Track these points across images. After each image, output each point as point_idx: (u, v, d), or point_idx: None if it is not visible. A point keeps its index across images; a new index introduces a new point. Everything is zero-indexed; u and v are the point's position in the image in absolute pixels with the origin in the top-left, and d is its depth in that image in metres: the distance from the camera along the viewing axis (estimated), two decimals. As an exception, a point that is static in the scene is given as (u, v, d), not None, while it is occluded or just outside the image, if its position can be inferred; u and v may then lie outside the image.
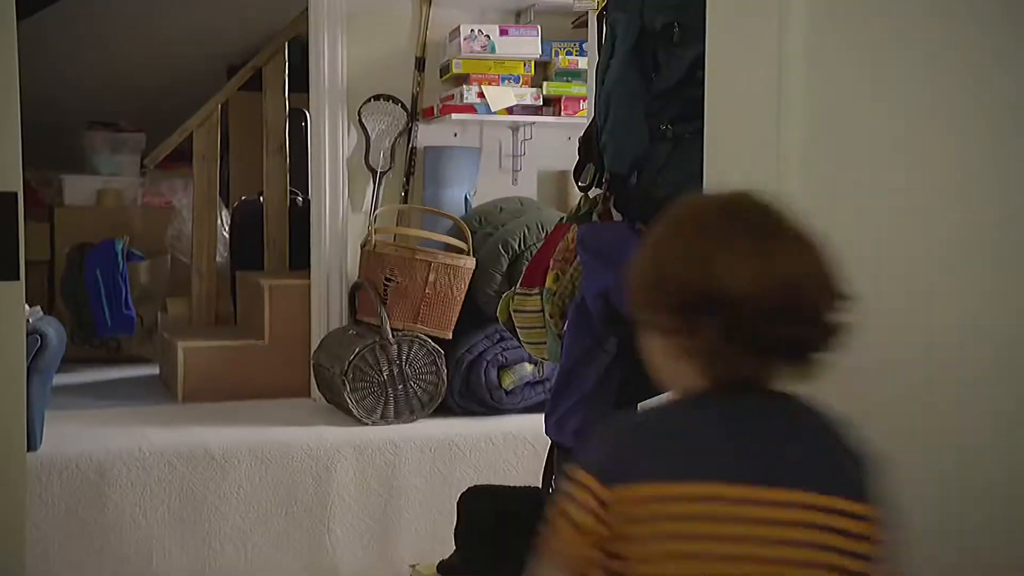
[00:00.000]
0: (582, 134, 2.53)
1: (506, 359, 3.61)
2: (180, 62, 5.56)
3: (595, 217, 2.47)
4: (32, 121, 3.96)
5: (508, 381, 3.61)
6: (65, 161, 5.28)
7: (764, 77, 1.48)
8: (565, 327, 2.41)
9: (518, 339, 2.59)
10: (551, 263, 2.46)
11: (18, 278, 1.31)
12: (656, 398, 2.07)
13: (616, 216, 2.49)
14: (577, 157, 2.59)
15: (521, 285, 2.53)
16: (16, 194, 1.31)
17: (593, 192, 2.52)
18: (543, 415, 2.42)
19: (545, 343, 2.50)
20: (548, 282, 2.45)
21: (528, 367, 3.63)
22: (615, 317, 2.31)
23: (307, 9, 3.97)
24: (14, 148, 1.33)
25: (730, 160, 1.60)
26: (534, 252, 3.56)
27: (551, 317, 2.45)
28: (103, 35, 5.40)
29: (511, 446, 3.52)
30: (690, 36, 2.34)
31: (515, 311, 2.54)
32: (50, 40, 5.06)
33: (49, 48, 5.03)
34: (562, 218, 2.60)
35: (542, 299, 2.47)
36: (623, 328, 2.34)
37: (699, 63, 2.35)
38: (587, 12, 3.74)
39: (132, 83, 5.57)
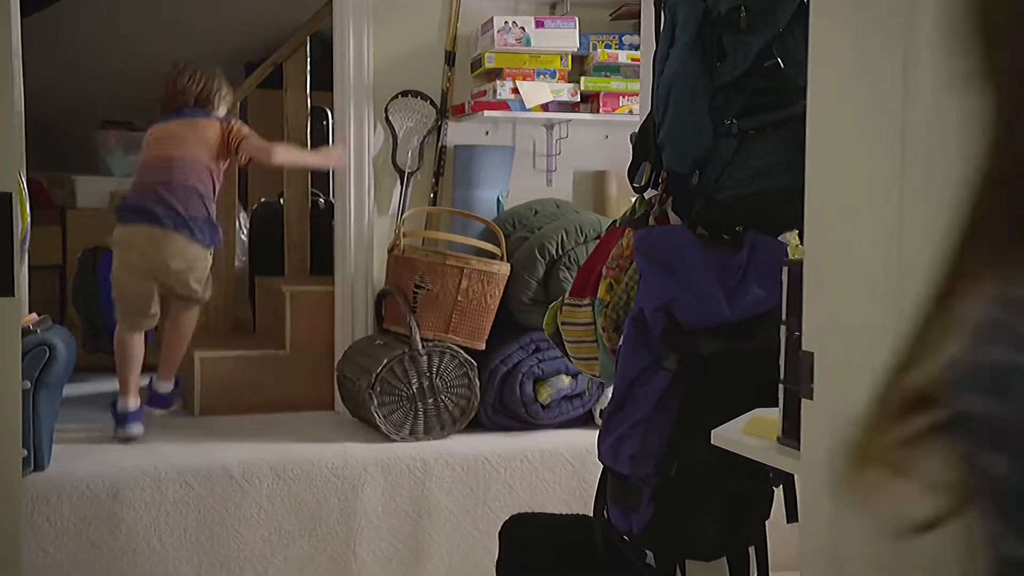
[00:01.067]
0: (637, 129, 2.32)
1: (542, 371, 3.40)
2: (197, 58, 5.35)
3: (651, 221, 2.26)
4: (42, 120, 3.80)
5: (544, 395, 3.40)
6: (77, 161, 5.12)
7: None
8: (620, 342, 2.20)
9: (566, 354, 2.38)
10: (604, 271, 2.25)
11: (12, 293, 1.11)
12: (728, 425, 1.87)
13: (673, 219, 2.28)
14: (631, 155, 2.38)
15: (570, 295, 2.32)
16: (11, 195, 1.12)
17: (649, 193, 2.32)
18: (596, 440, 2.22)
19: (597, 359, 2.30)
20: (600, 292, 2.24)
21: (565, 379, 3.42)
22: (677, 331, 2.10)
23: (330, 2, 3.78)
24: (11, 147, 1.14)
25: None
26: (572, 257, 3.36)
27: (604, 330, 2.24)
28: (116, 31, 5.22)
29: (548, 464, 3.31)
30: (758, 21, 2.14)
31: (563, 323, 2.33)
32: (62, 37, 4.89)
33: (61, 45, 4.86)
34: (614, 222, 2.39)
35: (594, 310, 2.27)
36: (686, 343, 2.14)
37: (768, 51, 2.15)
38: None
39: (147, 80, 5.36)
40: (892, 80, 1.21)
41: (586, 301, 2.28)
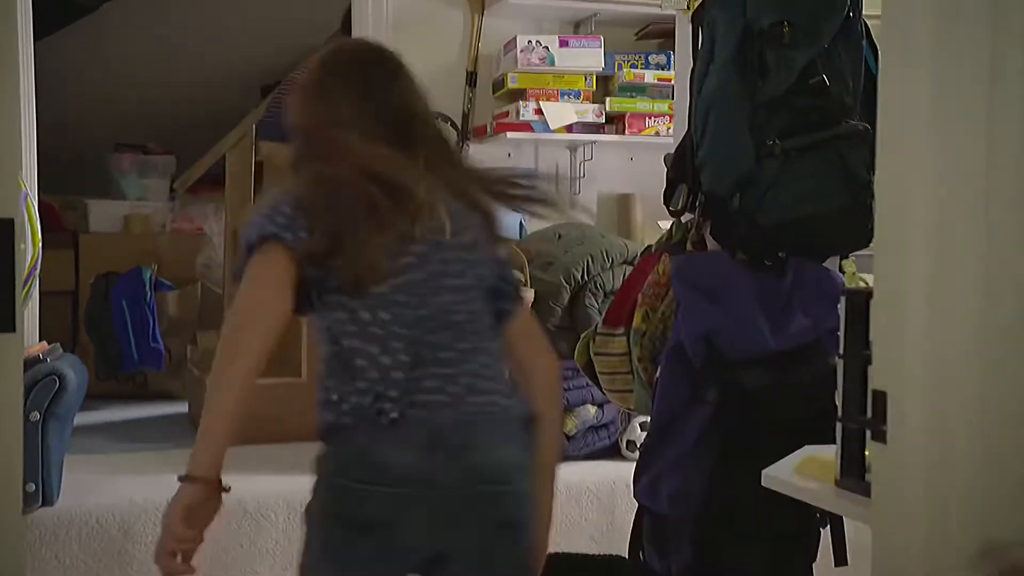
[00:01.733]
0: (674, 151, 2.22)
1: (567, 400, 3.28)
2: (211, 81, 5.30)
3: (689, 246, 2.16)
4: (55, 143, 3.73)
5: (569, 425, 3.28)
6: (90, 185, 5.04)
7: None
8: (657, 373, 2.09)
9: (599, 386, 2.27)
10: (639, 299, 2.15)
11: (13, 328, 1.02)
12: (779, 464, 1.75)
13: (712, 245, 2.18)
14: (664, 177, 2.28)
15: (604, 324, 2.21)
16: (12, 222, 1.02)
17: (685, 217, 2.21)
18: (622, 472, 2.12)
19: (632, 391, 2.19)
20: (636, 321, 2.14)
21: (591, 409, 3.31)
22: (719, 363, 1.99)
23: (348, 22, 3.70)
24: (12, 171, 1.05)
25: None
26: (598, 283, 3.25)
27: (640, 361, 2.13)
28: (131, 53, 5.15)
29: (573, 497, 3.19)
30: (802, 36, 2.04)
31: (596, 354, 2.22)
32: (76, 59, 4.82)
33: (75, 67, 4.79)
34: (648, 247, 2.29)
35: (629, 341, 2.16)
36: (728, 376, 2.02)
37: (812, 68, 2.05)
38: (671, 18, 3.44)
39: (161, 103, 5.32)
40: (976, 100, 1.11)
41: (620, 331, 2.17)
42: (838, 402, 1.55)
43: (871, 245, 2.15)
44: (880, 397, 1.20)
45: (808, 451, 1.71)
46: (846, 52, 2.05)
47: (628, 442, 3.38)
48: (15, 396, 1.17)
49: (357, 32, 3.56)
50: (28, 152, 3.37)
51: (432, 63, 3.61)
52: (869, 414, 1.39)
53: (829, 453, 1.56)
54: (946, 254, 1.12)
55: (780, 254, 2.08)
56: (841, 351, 1.50)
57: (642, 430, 3.36)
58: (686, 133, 2.17)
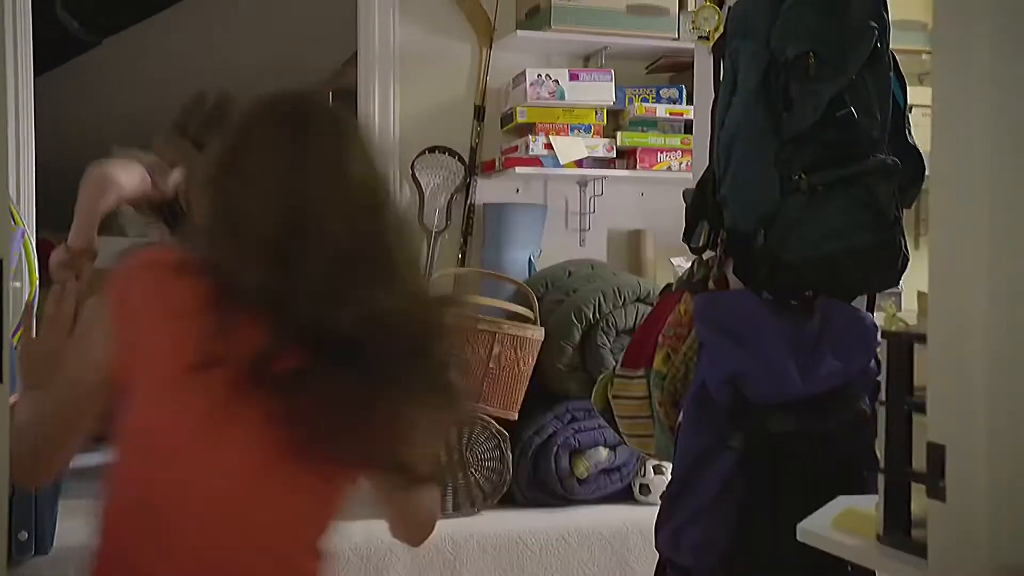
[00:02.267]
0: (694, 185, 2.14)
1: (579, 443, 3.19)
2: (214, 117, 5.23)
3: (711, 284, 2.07)
4: (55, 180, 3.66)
5: (582, 468, 3.18)
6: (91, 221, 4.94)
7: None
8: (679, 418, 2.00)
9: (617, 431, 2.18)
10: (660, 340, 2.06)
11: (0, 379, 0.93)
12: (814, 517, 1.66)
13: (734, 283, 2.09)
14: (684, 213, 2.20)
15: (623, 366, 2.13)
16: (0, 261, 0.94)
17: (707, 255, 2.13)
18: (635, 516, 2.02)
19: (652, 437, 2.10)
20: (657, 363, 2.05)
21: (604, 452, 3.21)
22: (745, 408, 1.90)
23: (354, 56, 3.64)
24: (1, 208, 0.97)
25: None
26: (610, 321, 3.16)
27: (660, 406, 2.04)
28: (130, 91, 5.10)
29: (585, 543, 3.09)
30: (828, 67, 1.96)
31: (614, 397, 2.13)
32: (75, 96, 4.76)
33: (74, 104, 4.73)
34: (668, 286, 2.20)
35: (649, 383, 2.07)
36: (754, 421, 1.93)
37: (839, 100, 1.97)
38: (683, 51, 3.38)
39: (163, 139, 5.24)
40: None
41: (640, 373, 2.09)
42: (879, 452, 1.46)
43: (900, 283, 2.08)
44: (936, 451, 1.11)
45: (843, 502, 1.61)
46: (873, 84, 1.98)
47: (642, 485, 3.28)
48: (1, 446, 1.08)
49: (363, 66, 3.50)
50: (27, 189, 3.31)
51: (440, 97, 3.55)
52: (915, 465, 1.30)
53: (866, 504, 1.47)
54: (1011, 294, 1.03)
55: (807, 293, 1.99)
56: (883, 398, 1.41)
57: (656, 473, 3.26)
58: (707, 167, 2.09)
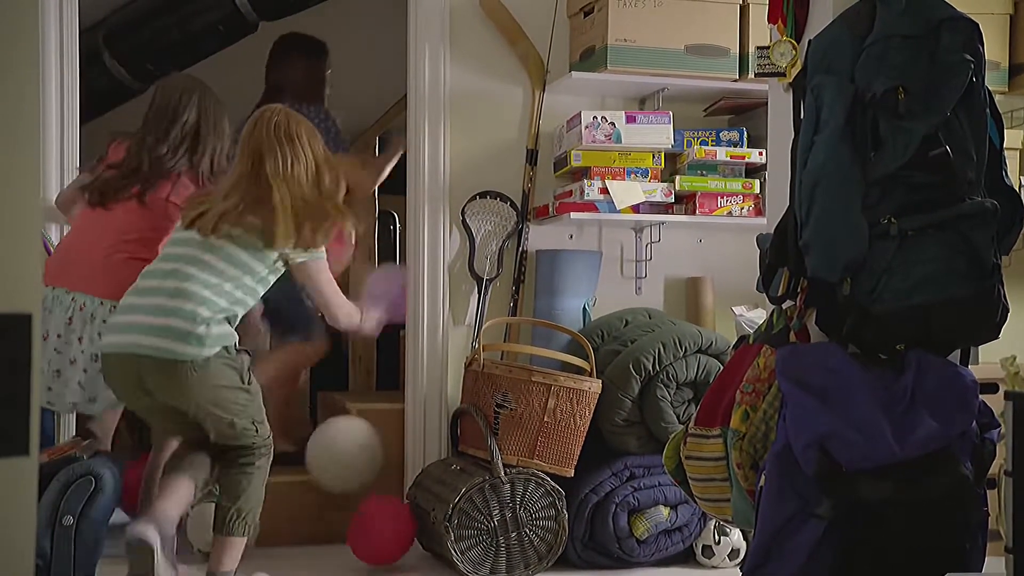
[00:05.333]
0: (773, 231, 2.00)
1: (638, 501, 3.03)
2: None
3: (791, 336, 1.93)
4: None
5: (641, 529, 3.02)
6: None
7: None
8: (760, 481, 1.85)
9: (689, 493, 2.03)
10: (737, 396, 1.91)
11: (27, 452, 0.82)
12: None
13: (815, 335, 1.95)
14: (760, 260, 2.06)
15: (696, 424, 1.98)
16: (30, 316, 0.82)
17: (786, 304, 1.99)
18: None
19: (728, 501, 1.94)
20: (734, 421, 1.90)
21: (664, 511, 3.05)
22: (834, 472, 1.75)
23: (403, 99, 3.55)
24: (32, 261, 0.86)
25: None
26: (670, 373, 3.02)
27: (739, 468, 1.90)
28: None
29: (645, 608, 2.92)
30: (919, 104, 1.82)
31: (687, 457, 1.99)
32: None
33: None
34: (744, 337, 2.06)
35: (726, 443, 1.93)
36: (844, 487, 1.77)
37: (933, 139, 1.83)
38: (742, 92, 3.26)
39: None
40: None
41: (716, 432, 1.94)
42: (1002, 528, 1.31)
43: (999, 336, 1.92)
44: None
45: (955, 582, 1.46)
46: (968, 122, 1.84)
47: (704, 547, 3.11)
48: (28, 525, 0.96)
49: (413, 108, 3.41)
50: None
51: (491, 141, 3.45)
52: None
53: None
54: None
55: (897, 347, 1.85)
56: (1009, 467, 1.26)
57: (720, 534, 3.09)
58: (787, 211, 1.96)
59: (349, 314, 2.71)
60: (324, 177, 2.58)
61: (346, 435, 3.22)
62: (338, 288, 2.68)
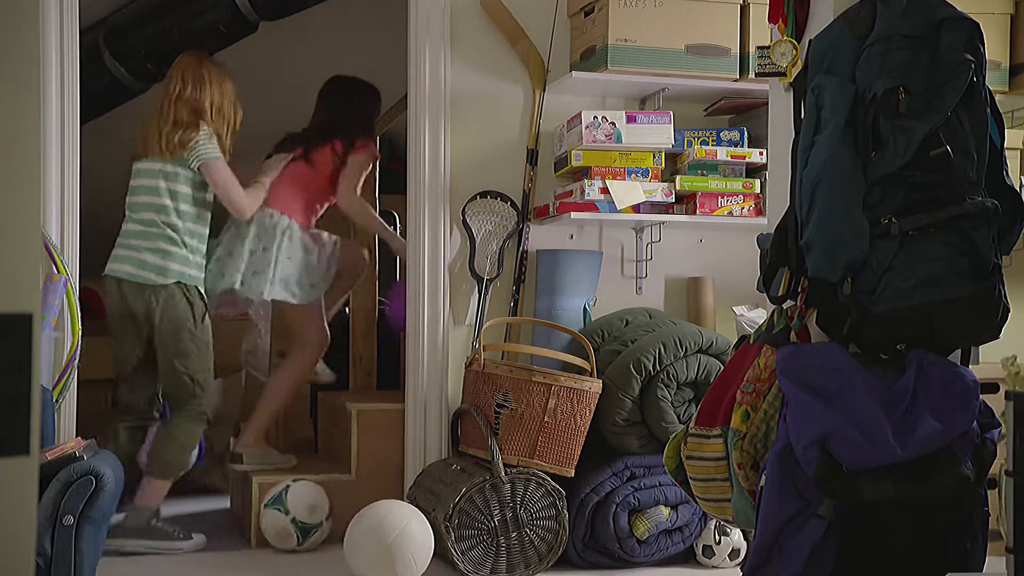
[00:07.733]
0: (772, 230, 2.00)
1: (638, 501, 3.03)
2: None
3: (792, 336, 1.93)
4: (93, 222, 3.60)
5: (642, 528, 3.02)
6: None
7: None
8: (761, 482, 1.84)
9: (690, 493, 2.03)
10: (738, 396, 1.91)
11: (27, 452, 0.81)
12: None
13: (816, 335, 1.95)
14: (760, 260, 2.06)
15: (696, 424, 1.98)
16: (31, 316, 0.82)
17: (786, 304, 1.99)
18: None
19: (729, 500, 1.94)
20: (735, 421, 1.90)
21: (665, 511, 3.05)
22: (835, 472, 1.75)
23: (403, 99, 3.55)
24: (32, 261, 0.86)
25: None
26: (671, 373, 3.02)
27: (740, 467, 1.90)
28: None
29: (646, 608, 2.92)
30: (920, 104, 1.82)
31: (688, 457, 1.99)
32: (116, 139, 4.71)
33: (116, 147, 4.68)
34: (745, 337, 2.06)
35: (726, 443, 1.93)
36: (845, 487, 1.77)
37: (934, 139, 1.83)
38: (743, 92, 3.26)
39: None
40: None
41: (716, 431, 1.94)
42: (1002, 528, 1.31)
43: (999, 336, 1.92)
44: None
45: (957, 582, 1.46)
46: (969, 122, 1.84)
47: (705, 547, 3.11)
48: (28, 525, 0.96)
49: (413, 109, 3.41)
50: (71, 238, 3.23)
51: (491, 141, 3.45)
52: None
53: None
54: None
55: (898, 346, 1.84)
56: (1010, 467, 1.26)
57: (720, 534, 3.09)
58: (787, 211, 1.96)
59: None
60: None
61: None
62: None
